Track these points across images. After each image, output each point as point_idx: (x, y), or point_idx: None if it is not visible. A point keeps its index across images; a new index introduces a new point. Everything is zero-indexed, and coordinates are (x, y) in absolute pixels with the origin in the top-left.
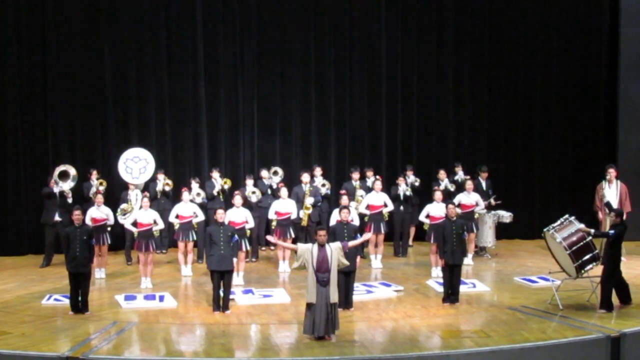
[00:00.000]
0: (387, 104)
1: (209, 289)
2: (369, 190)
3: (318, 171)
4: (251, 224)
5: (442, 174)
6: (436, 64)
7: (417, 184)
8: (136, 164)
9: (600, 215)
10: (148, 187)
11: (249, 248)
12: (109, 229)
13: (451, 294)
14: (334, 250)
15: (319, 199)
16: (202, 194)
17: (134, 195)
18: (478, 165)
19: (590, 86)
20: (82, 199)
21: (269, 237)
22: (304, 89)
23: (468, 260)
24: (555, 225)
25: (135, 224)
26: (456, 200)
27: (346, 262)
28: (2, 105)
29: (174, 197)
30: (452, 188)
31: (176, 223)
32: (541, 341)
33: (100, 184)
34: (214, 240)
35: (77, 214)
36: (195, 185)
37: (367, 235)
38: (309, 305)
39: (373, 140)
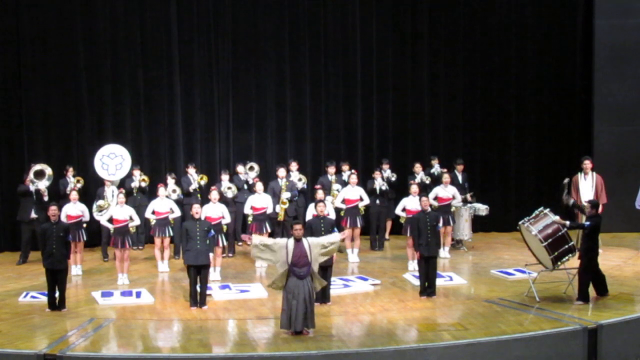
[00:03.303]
0: (362, 98)
1: (186, 285)
2: (344, 184)
3: (294, 166)
4: (228, 219)
5: (417, 167)
6: (411, 58)
7: (393, 178)
8: (112, 161)
9: None
10: (123, 183)
11: (225, 243)
12: (84, 225)
13: (428, 287)
14: (313, 247)
15: (295, 194)
16: (178, 190)
17: (110, 191)
18: (454, 159)
19: (565, 79)
20: (58, 196)
21: (243, 236)
22: (279, 84)
23: (445, 254)
24: (530, 217)
25: (111, 220)
26: (433, 193)
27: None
28: None
29: (150, 193)
30: (427, 180)
31: (152, 219)
32: (518, 333)
33: (78, 181)
34: (191, 236)
35: (53, 210)
36: (171, 181)
37: (344, 235)
38: (286, 295)
39: (349, 134)
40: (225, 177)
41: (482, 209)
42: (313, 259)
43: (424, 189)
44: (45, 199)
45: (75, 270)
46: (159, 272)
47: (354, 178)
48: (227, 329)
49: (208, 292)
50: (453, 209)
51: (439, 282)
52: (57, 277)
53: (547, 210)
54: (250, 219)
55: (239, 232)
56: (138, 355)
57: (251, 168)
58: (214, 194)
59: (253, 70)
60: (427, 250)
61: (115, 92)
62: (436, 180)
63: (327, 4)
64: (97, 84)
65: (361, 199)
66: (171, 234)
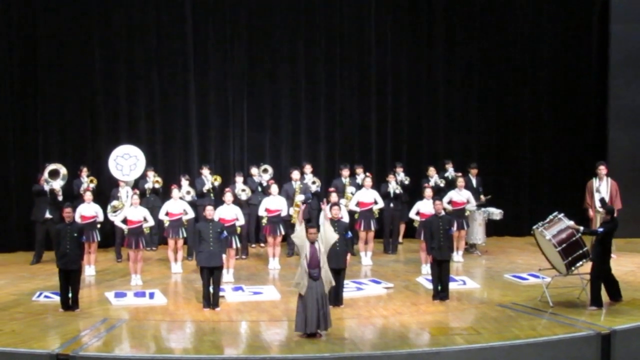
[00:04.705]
0: (377, 101)
1: (198, 286)
2: (358, 187)
3: (308, 168)
4: (241, 221)
5: (431, 170)
6: (426, 62)
7: (407, 181)
8: (126, 161)
9: (590, 212)
10: (137, 184)
11: (239, 245)
12: (98, 226)
13: (441, 291)
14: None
15: (309, 196)
16: (192, 191)
17: (124, 192)
18: (468, 163)
19: (580, 83)
20: (72, 196)
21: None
22: (293, 86)
23: (458, 257)
24: (544, 222)
25: (125, 221)
26: (447, 197)
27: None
28: None
29: (164, 194)
30: (441, 184)
31: (166, 220)
32: (531, 338)
33: (91, 181)
34: (203, 237)
35: (67, 212)
36: (185, 182)
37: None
38: (301, 298)
39: (363, 137)
40: (239, 179)
41: (496, 213)
42: (322, 258)
43: (438, 193)
44: (60, 198)
45: (88, 270)
46: (172, 273)
47: (368, 181)
48: (239, 331)
49: (221, 293)
50: (467, 213)
51: (452, 285)
52: (70, 278)
53: (561, 215)
54: (264, 221)
55: (253, 234)
56: (150, 356)
57: (265, 170)
58: (227, 196)
59: (268, 72)
60: (439, 253)
61: (130, 93)
62: (450, 184)
63: (343, 6)
64: (112, 85)
65: (375, 202)
66: (184, 235)
